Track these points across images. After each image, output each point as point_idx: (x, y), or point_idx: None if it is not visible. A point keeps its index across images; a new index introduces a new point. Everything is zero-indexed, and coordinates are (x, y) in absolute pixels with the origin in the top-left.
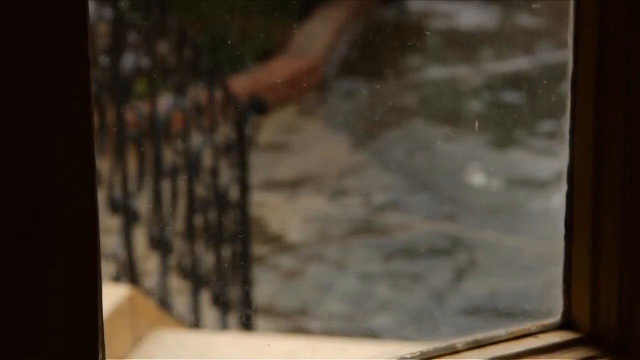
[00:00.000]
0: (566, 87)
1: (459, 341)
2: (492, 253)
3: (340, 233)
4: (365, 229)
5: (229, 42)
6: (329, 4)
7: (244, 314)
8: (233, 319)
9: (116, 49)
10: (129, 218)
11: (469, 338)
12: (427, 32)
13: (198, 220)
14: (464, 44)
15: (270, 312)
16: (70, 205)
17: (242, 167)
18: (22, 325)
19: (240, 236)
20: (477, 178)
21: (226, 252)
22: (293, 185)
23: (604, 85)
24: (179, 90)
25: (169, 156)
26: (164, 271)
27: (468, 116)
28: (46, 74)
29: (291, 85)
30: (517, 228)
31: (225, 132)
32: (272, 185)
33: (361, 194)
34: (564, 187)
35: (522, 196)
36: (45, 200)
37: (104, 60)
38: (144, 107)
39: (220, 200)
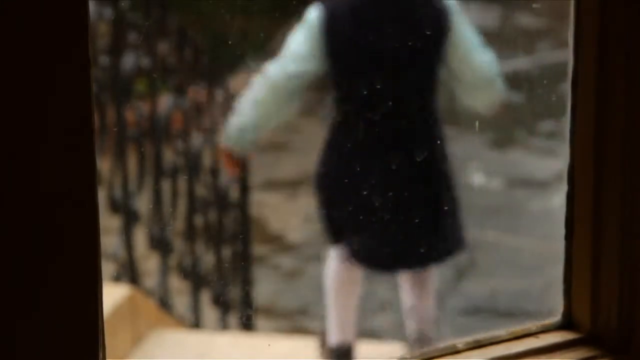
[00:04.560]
0: (566, 87)
1: (460, 341)
2: (492, 253)
3: None
4: None
5: (229, 42)
6: None
7: (244, 314)
8: (233, 319)
9: (116, 49)
10: (129, 218)
11: (470, 338)
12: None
13: (198, 220)
14: None
15: (271, 312)
16: (71, 205)
17: (242, 167)
18: (22, 325)
19: (240, 236)
20: (477, 178)
21: (226, 252)
22: (293, 185)
23: (604, 85)
24: (179, 90)
25: (169, 156)
26: (164, 271)
27: (468, 116)
28: (46, 74)
29: None
30: (517, 228)
31: None
32: (272, 185)
33: None
34: (564, 187)
35: (522, 196)
36: (46, 200)
37: (104, 60)
38: (144, 107)
39: (220, 200)
